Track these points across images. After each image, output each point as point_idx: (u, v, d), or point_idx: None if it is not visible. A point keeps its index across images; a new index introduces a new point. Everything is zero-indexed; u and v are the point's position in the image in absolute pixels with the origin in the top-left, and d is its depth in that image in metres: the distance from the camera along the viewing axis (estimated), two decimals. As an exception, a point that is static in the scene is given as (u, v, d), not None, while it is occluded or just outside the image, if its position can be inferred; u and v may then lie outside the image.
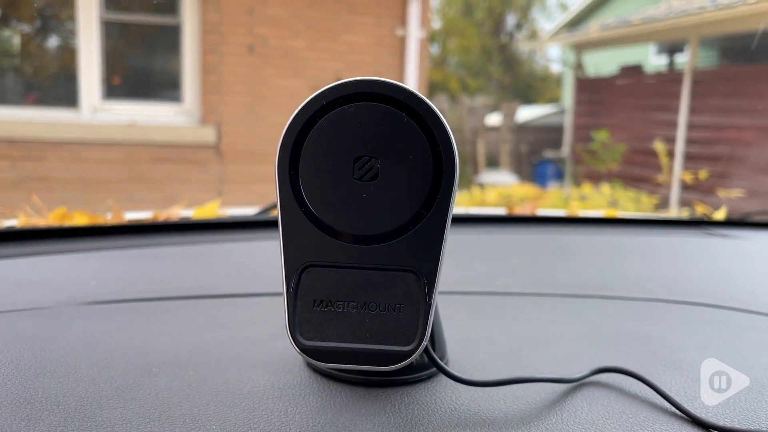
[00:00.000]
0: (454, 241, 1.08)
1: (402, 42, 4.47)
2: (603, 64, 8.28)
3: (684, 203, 5.61)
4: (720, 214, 1.45)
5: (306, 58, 4.31)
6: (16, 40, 4.37)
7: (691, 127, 6.04)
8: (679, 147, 6.04)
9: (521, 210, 1.56)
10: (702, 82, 6.12)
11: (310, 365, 0.55)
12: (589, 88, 7.77)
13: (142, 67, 4.51)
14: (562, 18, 10.11)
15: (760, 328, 0.70)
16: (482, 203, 4.63)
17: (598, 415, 0.49)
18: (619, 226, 1.29)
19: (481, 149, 8.29)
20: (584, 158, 6.86)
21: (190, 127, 4.19)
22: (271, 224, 1.13)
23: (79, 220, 1.22)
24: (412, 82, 4.43)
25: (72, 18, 4.03)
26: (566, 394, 0.52)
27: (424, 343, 0.45)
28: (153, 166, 4.09)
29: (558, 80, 13.02)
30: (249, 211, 1.31)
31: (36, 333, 0.61)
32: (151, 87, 4.43)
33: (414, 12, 4.44)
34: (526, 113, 9.69)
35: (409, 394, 0.51)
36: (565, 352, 0.61)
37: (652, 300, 0.78)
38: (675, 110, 6.16)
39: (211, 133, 4.15)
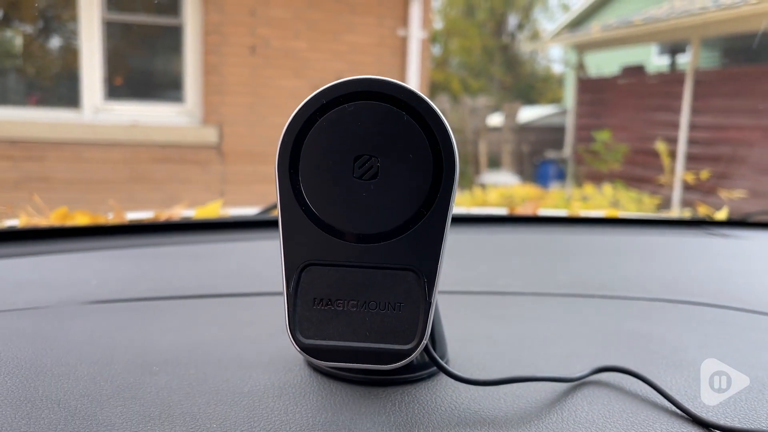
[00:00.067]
0: (456, 240, 1.08)
1: (403, 42, 4.48)
2: (605, 64, 8.27)
3: (686, 204, 5.60)
4: (721, 214, 1.44)
5: (307, 59, 4.31)
6: (19, 41, 4.38)
7: (692, 127, 6.04)
8: (681, 147, 6.04)
9: (522, 210, 1.56)
10: (704, 82, 6.11)
11: (310, 364, 0.55)
12: (590, 88, 7.77)
13: (143, 67, 4.52)
14: (564, 18, 10.11)
15: (761, 328, 0.70)
16: (484, 204, 4.63)
17: (599, 414, 0.49)
18: (619, 226, 1.29)
19: (483, 150, 8.29)
20: (586, 159, 6.86)
21: (192, 127, 4.19)
22: (271, 224, 1.13)
23: (81, 219, 1.22)
24: (413, 82, 4.43)
25: (74, 18, 4.04)
26: (567, 394, 0.52)
27: (424, 341, 0.45)
28: (155, 166, 4.09)
29: (560, 81, 13.02)
30: (250, 211, 1.32)
31: (37, 332, 0.61)
32: (153, 87, 4.44)
33: (415, 12, 4.44)
34: (528, 114, 9.68)
35: (409, 393, 0.51)
36: (566, 352, 0.61)
37: (652, 300, 0.78)
38: (677, 111, 6.16)
39: (212, 133, 4.16)
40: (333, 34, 4.37)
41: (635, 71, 7.31)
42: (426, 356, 0.52)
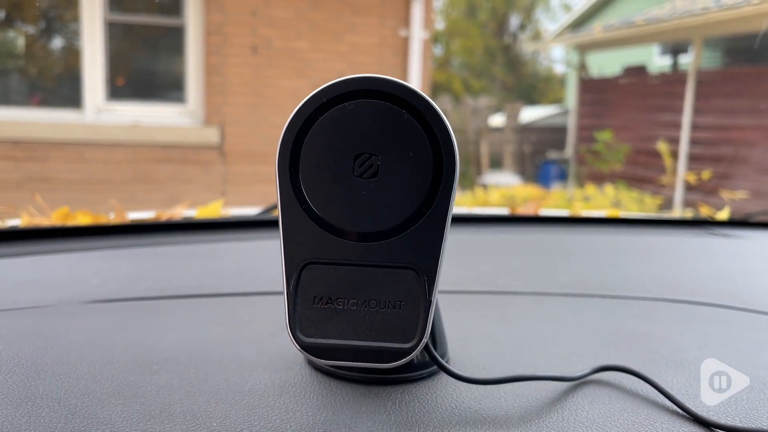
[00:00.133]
0: (457, 240, 1.08)
1: (405, 43, 4.48)
2: (606, 64, 8.27)
3: (688, 204, 5.59)
4: (723, 214, 1.44)
5: (309, 59, 4.31)
6: (21, 41, 4.39)
7: (694, 127, 6.03)
8: (683, 148, 6.03)
9: (524, 210, 1.56)
10: (706, 82, 6.11)
11: (310, 363, 0.55)
12: (592, 88, 7.76)
13: (145, 68, 4.53)
14: (566, 19, 10.11)
15: (762, 328, 0.70)
16: (485, 204, 4.62)
17: (600, 413, 0.49)
18: (621, 226, 1.29)
19: (485, 150, 8.29)
20: (588, 159, 6.85)
21: (194, 127, 4.19)
22: (272, 224, 1.14)
23: (82, 219, 1.22)
24: (415, 82, 4.43)
25: (76, 19, 4.04)
26: (567, 392, 0.52)
27: (425, 340, 0.45)
28: (156, 166, 4.10)
29: (561, 81, 13.01)
30: (251, 211, 1.32)
31: (38, 331, 0.61)
32: (155, 88, 4.45)
33: (417, 13, 4.44)
34: (530, 114, 9.68)
35: (409, 392, 0.51)
36: (567, 351, 0.60)
37: (653, 299, 0.78)
38: (679, 111, 6.15)
39: (214, 133, 4.16)
40: (335, 35, 4.38)
41: (637, 71, 7.31)
42: (426, 355, 0.52)
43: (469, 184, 7.26)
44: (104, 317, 0.66)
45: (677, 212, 5.17)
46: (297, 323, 0.45)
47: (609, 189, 4.93)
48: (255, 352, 0.57)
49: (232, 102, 4.21)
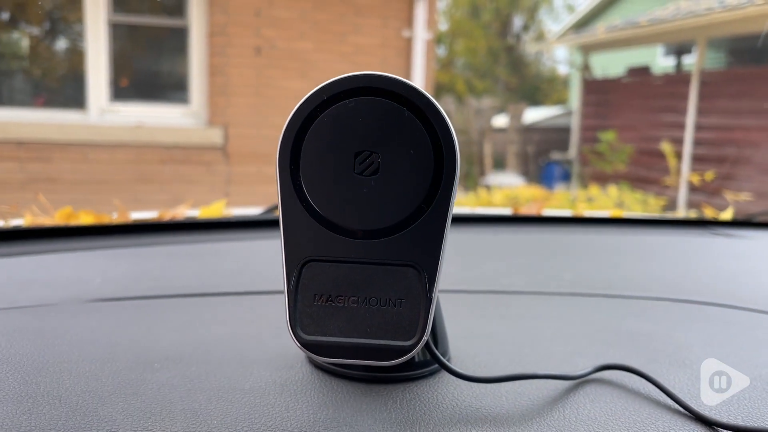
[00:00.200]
0: (460, 240, 1.08)
1: (408, 43, 4.48)
2: (610, 65, 8.26)
3: (691, 205, 5.58)
4: (726, 215, 1.44)
5: (313, 60, 4.31)
6: (25, 43, 4.40)
7: (698, 128, 6.02)
8: (687, 148, 6.02)
9: (527, 210, 1.56)
10: (710, 83, 6.09)
11: (311, 361, 0.55)
12: (596, 89, 7.75)
13: (149, 68, 4.54)
14: (569, 19, 10.10)
15: (764, 327, 0.70)
16: (488, 205, 4.61)
17: (601, 411, 0.49)
18: (624, 226, 1.28)
19: (488, 151, 8.28)
20: (591, 160, 6.84)
21: (197, 128, 4.20)
22: (274, 224, 1.14)
23: (85, 219, 1.23)
24: (418, 83, 4.42)
25: (80, 20, 4.05)
26: (569, 391, 0.52)
27: (425, 338, 0.45)
28: (160, 167, 4.11)
29: (565, 82, 13.00)
30: (254, 211, 1.32)
31: (40, 329, 0.61)
32: (159, 89, 4.45)
33: (420, 13, 4.44)
34: (533, 115, 9.68)
35: (410, 390, 0.51)
36: (569, 350, 0.60)
37: (656, 299, 0.78)
38: (683, 112, 6.14)
39: (217, 134, 4.17)
40: (338, 35, 4.38)
41: (641, 72, 7.30)
42: (428, 353, 0.52)
43: (473, 184, 7.25)
44: (106, 316, 0.66)
45: (681, 213, 5.16)
46: (297, 321, 0.45)
47: (612, 190, 4.92)
48: (256, 350, 0.57)
49: (235, 103, 4.22)
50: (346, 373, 0.52)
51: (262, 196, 3.92)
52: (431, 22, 4.64)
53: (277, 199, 0.45)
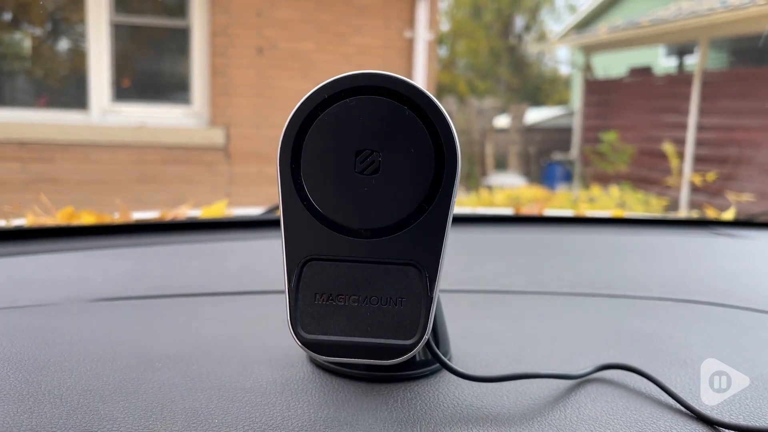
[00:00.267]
0: (461, 240, 1.08)
1: (410, 44, 4.48)
2: (612, 65, 8.26)
3: (693, 206, 5.58)
4: (728, 215, 1.44)
5: (315, 60, 4.32)
6: (28, 43, 4.41)
7: (700, 128, 6.01)
8: (689, 149, 6.01)
9: (528, 210, 1.56)
10: (712, 83, 6.09)
11: (312, 360, 0.55)
12: (598, 89, 7.75)
13: (151, 69, 4.54)
14: (571, 20, 10.10)
15: (766, 327, 0.70)
16: (490, 205, 4.61)
17: (602, 411, 0.48)
18: (625, 226, 1.28)
19: (490, 151, 8.28)
20: (593, 160, 6.84)
21: (199, 129, 4.20)
22: (276, 224, 1.14)
23: (87, 219, 1.23)
24: (420, 84, 4.42)
25: (82, 21, 4.06)
26: (570, 391, 0.52)
27: (426, 336, 0.45)
28: (162, 167, 4.11)
29: (567, 82, 13.00)
30: (255, 211, 1.32)
31: (42, 328, 0.61)
32: (161, 89, 4.46)
33: (422, 14, 4.44)
34: (535, 115, 9.67)
35: (411, 390, 0.51)
36: (570, 349, 0.60)
37: (657, 298, 0.78)
38: (684, 112, 6.14)
39: (219, 134, 4.17)
40: (340, 36, 4.38)
41: (642, 72, 7.29)
42: (429, 353, 0.52)
43: (474, 185, 7.25)
44: (107, 315, 0.66)
45: (683, 213, 5.15)
46: (298, 320, 0.45)
47: (614, 190, 4.92)
48: (257, 349, 0.57)
49: (237, 103, 4.22)
50: (347, 372, 0.52)
51: (263, 196, 3.93)
52: (433, 23, 4.64)
53: (278, 199, 0.45)
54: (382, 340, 0.45)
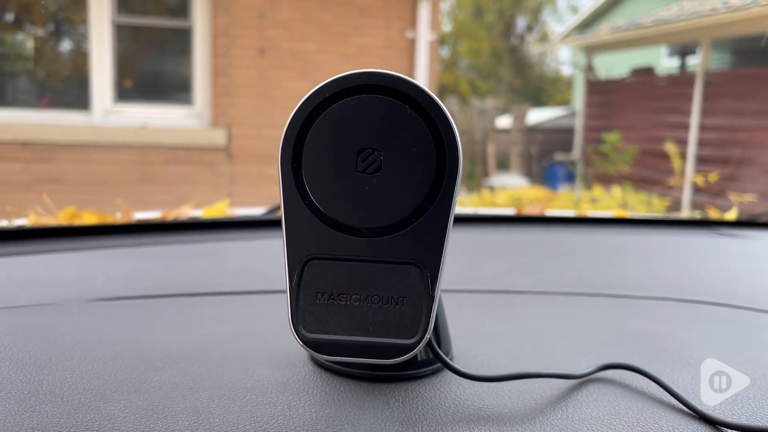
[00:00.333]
0: (463, 240, 1.08)
1: (412, 44, 4.48)
2: (614, 66, 8.25)
3: (696, 206, 5.57)
4: (730, 215, 1.43)
5: (316, 61, 4.32)
6: (30, 44, 4.41)
7: (702, 129, 6.00)
8: (691, 149, 6.01)
9: (530, 210, 1.56)
10: (714, 84, 6.08)
11: (314, 360, 0.55)
12: (600, 90, 7.74)
13: (153, 70, 4.54)
14: (573, 20, 10.09)
15: (770, 327, 0.69)
16: (492, 205, 4.61)
17: (604, 411, 0.48)
18: (627, 226, 1.28)
19: (492, 152, 8.28)
20: (595, 161, 6.83)
21: (201, 129, 4.21)
22: (277, 223, 1.14)
23: (89, 219, 1.23)
24: (421, 84, 4.42)
25: (84, 21, 4.06)
26: (572, 390, 0.51)
27: (428, 335, 0.45)
28: (164, 168, 4.11)
29: (569, 82, 12.99)
30: (257, 211, 1.32)
31: (44, 328, 0.61)
32: (162, 90, 4.46)
33: (424, 14, 4.44)
34: (537, 116, 9.67)
35: (413, 389, 0.51)
36: (572, 349, 0.60)
37: (659, 298, 0.78)
38: (687, 112, 6.13)
39: (221, 135, 4.17)
40: (341, 37, 4.38)
41: (644, 73, 7.29)
42: (430, 352, 0.52)
43: (476, 185, 7.25)
44: (109, 315, 0.66)
45: (685, 214, 5.14)
46: (299, 319, 0.45)
47: (616, 191, 4.91)
48: (258, 349, 0.57)
49: (238, 104, 4.22)
50: (349, 372, 0.52)
51: (265, 196, 3.93)
52: (434, 23, 4.64)
53: (279, 198, 0.45)
54: (384, 340, 0.45)
